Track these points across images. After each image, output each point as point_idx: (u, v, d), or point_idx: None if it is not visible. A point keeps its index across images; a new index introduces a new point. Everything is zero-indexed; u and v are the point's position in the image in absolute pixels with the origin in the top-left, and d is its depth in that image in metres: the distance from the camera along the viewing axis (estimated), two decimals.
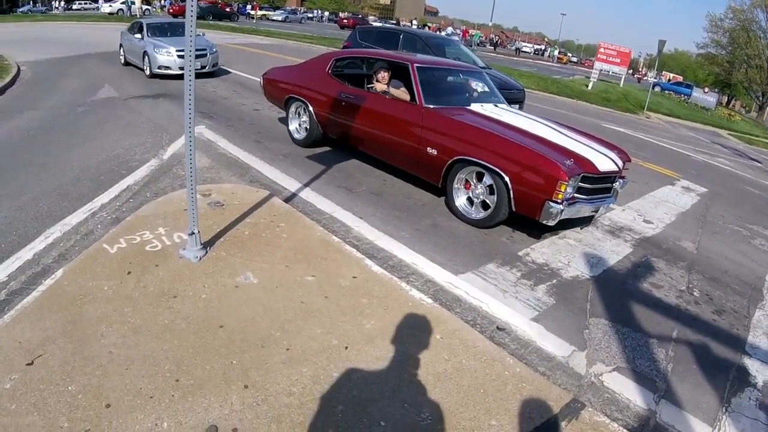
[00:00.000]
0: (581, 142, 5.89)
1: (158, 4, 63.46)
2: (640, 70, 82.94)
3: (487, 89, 7.30)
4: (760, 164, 17.72)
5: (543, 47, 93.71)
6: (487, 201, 5.52)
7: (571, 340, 3.87)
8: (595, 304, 4.49)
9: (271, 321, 3.36)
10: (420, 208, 6.06)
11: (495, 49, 57.49)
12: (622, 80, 34.63)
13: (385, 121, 6.39)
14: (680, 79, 62.73)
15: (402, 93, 6.64)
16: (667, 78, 60.40)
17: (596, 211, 5.78)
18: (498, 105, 6.86)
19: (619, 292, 4.85)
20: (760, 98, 61.64)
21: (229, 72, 14.62)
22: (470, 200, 5.75)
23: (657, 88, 41.78)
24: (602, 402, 3.27)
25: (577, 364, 3.61)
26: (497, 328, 3.84)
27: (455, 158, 5.61)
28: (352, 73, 7.83)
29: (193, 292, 3.57)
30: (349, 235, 4.98)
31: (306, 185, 6.16)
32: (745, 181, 13.09)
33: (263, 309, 3.48)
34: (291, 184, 6.11)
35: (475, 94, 7.08)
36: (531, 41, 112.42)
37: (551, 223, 5.08)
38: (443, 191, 6.09)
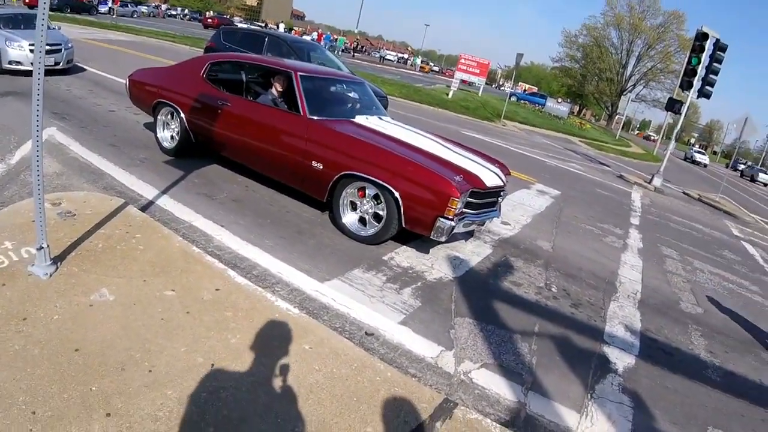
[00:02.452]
0: (467, 157, 6.06)
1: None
2: (498, 80, 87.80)
3: (369, 101, 7.27)
4: (609, 168, 19.34)
5: (406, 56, 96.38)
6: (379, 213, 5.45)
7: (438, 341, 4.02)
8: (460, 304, 4.71)
9: (130, 341, 3.16)
10: (284, 214, 6.01)
11: (353, 55, 57.91)
12: (481, 90, 36.42)
13: (267, 132, 6.11)
14: (536, 89, 67.41)
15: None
16: (523, 88, 64.56)
17: (482, 225, 5.92)
18: (382, 117, 6.84)
19: (481, 292, 5.13)
20: (610, 108, 67.99)
21: (84, 69, 13.57)
22: (362, 219, 5.66)
23: (513, 98, 44.45)
24: (473, 399, 3.46)
25: (445, 363, 3.77)
26: (366, 333, 3.91)
27: (342, 173, 5.48)
28: (229, 79, 7.35)
29: (44, 313, 3.27)
30: (211, 244, 4.81)
31: (164, 192, 5.85)
32: (595, 184, 14.23)
33: (121, 329, 3.26)
34: (148, 192, 5.76)
35: (358, 105, 7.04)
36: (395, 50, 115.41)
37: (443, 239, 5.17)
38: (324, 205, 6.00)
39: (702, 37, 16.01)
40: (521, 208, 8.60)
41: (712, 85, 16.43)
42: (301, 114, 5.88)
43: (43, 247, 3.62)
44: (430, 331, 4.10)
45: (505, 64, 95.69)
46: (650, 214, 11.82)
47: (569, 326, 4.79)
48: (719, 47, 16.19)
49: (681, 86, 17.14)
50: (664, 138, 44.95)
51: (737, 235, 12.83)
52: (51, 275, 3.66)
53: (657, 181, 16.79)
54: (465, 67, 34.71)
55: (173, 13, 77.25)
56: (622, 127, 57.39)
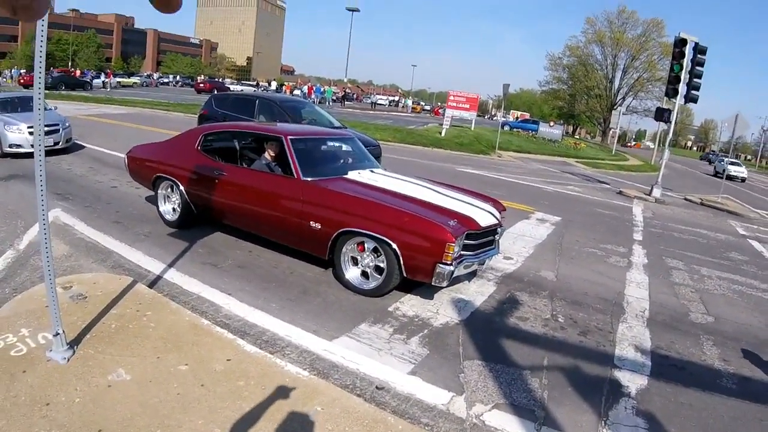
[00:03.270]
0: (459, 199, 6.19)
1: (8, 73, 59.81)
2: (490, 110, 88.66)
3: (360, 155, 7.45)
4: (608, 185, 19.42)
5: (397, 98, 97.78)
6: (380, 265, 5.54)
7: (448, 387, 4.06)
8: (468, 347, 4.75)
9: (149, 418, 3.25)
10: (289, 276, 6.11)
11: (343, 104, 58.58)
12: (473, 124, 36.76)
13: (264, 198, 6.29)
14: (527, 116, 68.05)
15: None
16: (515, 116, 65.04)
17: (483, 264, 6.02)
18: (374, 170, 6.99)
19: (488, 332, 5.18)
20: (602, 124, 68.46)
21: (83, 147, 13.93)
22: (364, 273, 5.74)
23: (506, 128, 44.79)
24: None
25: (457, 409, 3.79)
26: (376, 387, 3.96)
27: (340, 231, 5.61)
28: (223, 148, 7.61)
29: (65, 397, 3.38)
30: (219, 314, 4.92)
31: (170, 266, 5.99)
32: (595, 204, 14.29)
33: (140, 406, 3.36)
34: (155, 267, 5.91)
35: (350, 160, 7.19)
36: (386, 93, 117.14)
37: (444, 284, 5.29)
38: (327, 262, 6.09)
39: (681, 43, 16.30)
40: (522, 240, 8.67)
41: (697, 89, 16.64)
42: (295, 177, 6.05)
43: (59, 333, 3.75)
44: (440, 378, 4.14)
45: (495, 94, 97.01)
46: (653, 227, 11.86)
47: (578, 355, 4.82)
48: (699, 50, 16.44)
49: (667, 94, 17.39)
50: (661, 146, 45.11)
51: (743, 234, 12.87)
52: (69, 359, 3.78)
53: (657, 192, 16.85)
54: (455, 104, 34.94)
55: (165, 80, 78.98)
56: (618, 141, 57.62)
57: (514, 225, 9.52)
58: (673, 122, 18.05)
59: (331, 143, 7.44)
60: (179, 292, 5.27)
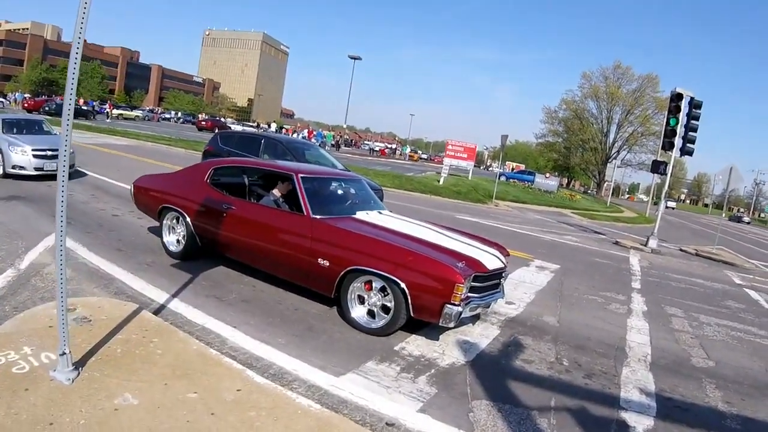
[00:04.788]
0: (466, 243, 6.25)
1: (12, 96, 60.26)
2: (486, 161, 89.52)
3: (367, 196, 7.51)
4: (604, 236, 19.51)
5: (395, 146, 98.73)
6: (387, 304, 5.52)
7: (458, 425, 4.02)
8: (475, 387, 4.71)
9: None
10: (293, 312, 6.06)
11: (338, 149, 59.10)
12: (470, 173, 37.09)
13: (272, 233, 6.29)
14: (523, 167, 68.71)
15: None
16: (511, 167, 65.74)
17: (488, 307, 6.02)
18: (381, 212, 7.03)
19: (495, 372, 5.15)
20: (597, 176, 69.01)
21: (85, 174, 13.96)
22: (371, 312, 5.70)
23: (503, 178, 45.20)
24: None
25: None
26: (386, 424, 3.91)
27: (348, 269, 5.59)
28: (232, 183, 7.64)
29: (70, 418, 3.31)
30: (225, 345, 4.86)
31: (174, 296, 5.93)
32: (593, 254, 14.35)
33: None
34: (159, 296, 5.86)
35: (358, 201, 7.23)
36: (383, 141, 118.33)
37: (451, 325, 5.27)
38: (332, 300, 6.08)
39: (677, 97, 16.59)
40: (523, 286, 8.68)
41: (692, 142, 16.85)
42: (305, 214, 6.08)
43: (65, 353, 3.71)
44: (449, 416, 4.10)
45: (492, 145, 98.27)
46: (650, 276, 11.90)
47: (585, 397, 4.80)
48: (694, 105, 16.72)
49: (663, 147, 17.60)
50: (654, 198, 45.48)
51: (739, 283, 12.95)
52: (73, 381, 3.73)
53: (653, 243, 16.93)
54: (453, 153, 35.33)
55: (167, 116, 79.57)
56: (612, 193, 58.18)
57: (515, 272, 9.50)
58: (669, 174, 18.23)
59: (339, 183, 7.51)
60: (183, 322, 5.21)
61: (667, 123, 17.01)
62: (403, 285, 5.24)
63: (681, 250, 18.83)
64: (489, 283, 5.84)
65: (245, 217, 6.56)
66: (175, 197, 7.30)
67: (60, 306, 3.69)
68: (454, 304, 5.09)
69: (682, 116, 16.62)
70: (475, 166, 41.65)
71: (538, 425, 4.16)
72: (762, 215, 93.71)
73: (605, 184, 62.92)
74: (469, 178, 35.98)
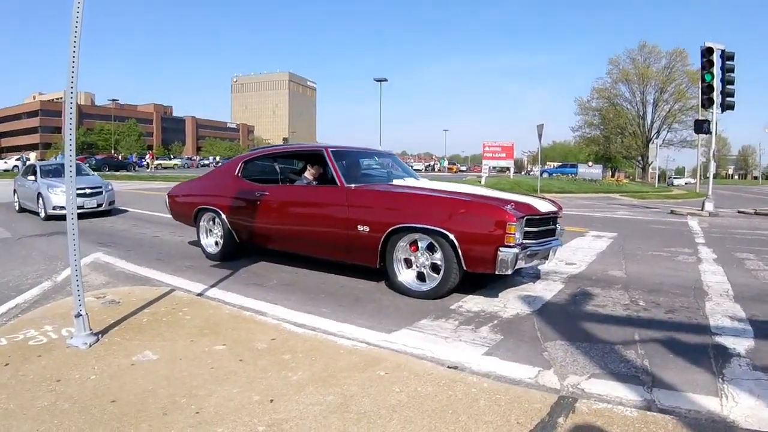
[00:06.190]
0: (513, 194, 5.92)
1: (54, 160, 62.65)
2: (526, 166, 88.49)
3: (402, 168, 7.32)
4: (657, 210, 18.65)
5: (433, 163, 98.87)
6: (437, 263, 5.08)
7: (533, 363, 3.58)
8: (546, 332, 4.27)
9: (174, 389, 2.86)
10: (339, 288, 5.68)
11: None
12: (512, 171, 36.36)
13: (308, 210, 6.10)
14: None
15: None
16: (552, 166, 64.33)
17: (547, 257, 5.44)
18: (417, 179, 6.69)
19: (566, 318, 4.69)
20: (641, 161, 66.71)
21: (126, 210, 14.15)
22: (420, 275, 5.27)
23: (545, 174, 44.06)
24: (592, 401, 2.90)
25: (548, 381, 3.30)
26: (448, 366, 3.43)
27: (391, 229, 5.18)
28: (263, 171, 7.48)
29: (80, 375, 3.04)
30: (264, 315, 4.47)
31: (212, 286, 5.64)
32: (649, 223, 13.73)
33: (165, 380, 2.98)
34: (196, 288, 5.55)
35: (392, 172, 7.00)
36: (421, 160, 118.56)
37: (509, 271, 4.75)
38: (380, 275, 5.76)
39: (707, 52, 15.79)
40: (582, 251, 8.13)
41: (731, 95, 15.98)
42: (339, 185, 5.77)
43: (81, 314, 3.45)
44: (522, 357, 3.65)
45: (529, 150, 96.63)
46: (713, 233, 11.12)
47: (671, 329, 4.32)
48: (727, 57, 15.85)
49: (702, 105, 16.74)
50: (702, 178, 43.75)
51: None
52: (90, 345, 3.46)
53: (709, 206, 16.01)
54: (491, 154, 34.59)
55: (206, 162, 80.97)
56: (659, 179, 56.16)
57: (571, 242, 9.01)
58: (714, 132, 17.30)
59: (371, 157, 7.34)
60: (220, 302, 4.88)
61: (702, 80, 16.19)
62: (451, 236, 4.79)
63: (739, 212, 17.77)
64: (543, 228, 5.31)
65: (280, 200, 6.36)
66: (208, 197, 7.22)
67: (72, 260, 3.44)
68: (509, 246, 4.60)
69: (717, 70, 15.79)
70: (516, 172, 40.84)
71: (625, 356, 3.69)
72: None
73: (650, 169, 60.65)
74: (511, 176, 35.25)
